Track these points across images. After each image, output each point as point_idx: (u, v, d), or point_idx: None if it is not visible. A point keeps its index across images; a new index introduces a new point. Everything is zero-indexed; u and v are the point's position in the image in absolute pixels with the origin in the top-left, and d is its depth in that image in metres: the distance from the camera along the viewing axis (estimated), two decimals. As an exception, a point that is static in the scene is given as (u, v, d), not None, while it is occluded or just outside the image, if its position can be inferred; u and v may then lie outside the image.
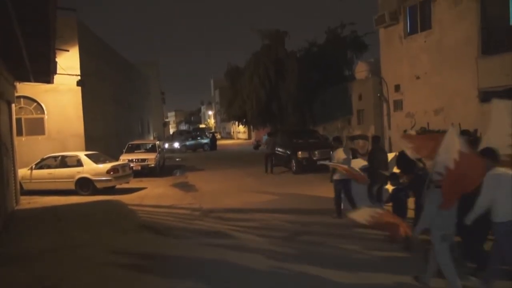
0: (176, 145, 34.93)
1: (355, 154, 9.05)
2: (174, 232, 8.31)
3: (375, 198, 8.28)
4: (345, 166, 8.29)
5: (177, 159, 26.26)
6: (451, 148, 4.46)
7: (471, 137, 6.99)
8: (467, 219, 4.59)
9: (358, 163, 8.58)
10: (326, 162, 9.44)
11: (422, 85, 15.30)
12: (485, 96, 12.63)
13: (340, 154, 8.85)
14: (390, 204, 7.06)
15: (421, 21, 15.36)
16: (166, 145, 33.63)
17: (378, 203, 7.67)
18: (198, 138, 36.32)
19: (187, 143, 34.91)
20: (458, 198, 4.65)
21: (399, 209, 6.56)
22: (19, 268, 6.47)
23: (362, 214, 5.84)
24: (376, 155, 8.55)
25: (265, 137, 20.42)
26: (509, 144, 4.71)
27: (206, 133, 42.10)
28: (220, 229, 8.31)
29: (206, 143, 35.34)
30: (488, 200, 4.48)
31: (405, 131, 15.85)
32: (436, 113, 14.58)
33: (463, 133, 7.43)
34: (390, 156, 8.82)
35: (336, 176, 8.74)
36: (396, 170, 7.83)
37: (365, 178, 8.08)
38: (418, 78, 15.51)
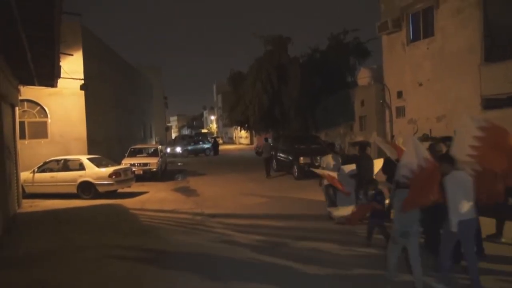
0: (178, 149, 35.00)
1: (356, 160, 9.12)
2: (175, 236, 8.30)
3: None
4: (326, 172, 8.58)
5: (179, 164, 26.29)
6: (417, 154, 5.06)
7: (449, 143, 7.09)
8: (452, 226, 4.85)
9: (348, 168, 8.73)
10: (316, 170, 9.57)
11: (425, 92, 15.32)
12: (488, 103, 12.63)
13: (329, 160, 9.07)
14: None
15: (423, 28, 15.42)
16: (168, 150, 33.70)
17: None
18: (200, 143, 36.38)
19: (189, 147, 34.98)
20: (418, 205, 5.04)
21: (378, 213, 6.74)
22: (20, 270, 6.48)
23: (343, 211, 7.26)
24: (362, 163, 8.60)
25: (266, 143, 20.61)
26: (468, 153, 5.21)
27: (208, 138, 42.18)
28: (221, 233, 8.32)
29: (208, 148, 35.38)
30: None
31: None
32: (439, 120, 14.58)
33: (446, 139, 7.55)
34: (377, 162, 8.83)
35: (326, 182, 8.86)
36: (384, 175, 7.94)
37: (346, 191, 8.24)
38: (420, 85, 15.53)
